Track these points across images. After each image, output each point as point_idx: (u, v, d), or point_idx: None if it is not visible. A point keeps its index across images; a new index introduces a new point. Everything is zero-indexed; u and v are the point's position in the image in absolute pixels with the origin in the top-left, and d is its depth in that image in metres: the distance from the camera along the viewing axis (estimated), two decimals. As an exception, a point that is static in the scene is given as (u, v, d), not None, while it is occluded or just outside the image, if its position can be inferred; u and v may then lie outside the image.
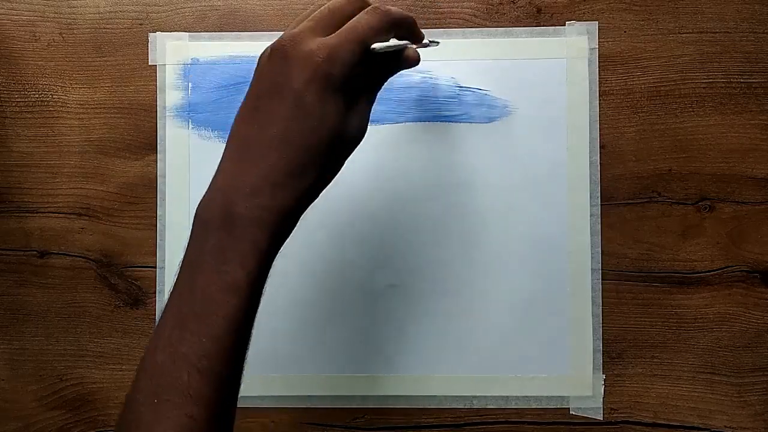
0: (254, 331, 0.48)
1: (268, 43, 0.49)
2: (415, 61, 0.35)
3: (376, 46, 0.32)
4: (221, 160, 0.32)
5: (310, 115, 0.30)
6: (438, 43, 0.35)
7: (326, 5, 0.33)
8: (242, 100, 0.33)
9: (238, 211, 0.30)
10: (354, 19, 0.32)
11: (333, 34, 0.31)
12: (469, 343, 0.48)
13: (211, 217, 0.30)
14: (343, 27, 0.31)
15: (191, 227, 0.31)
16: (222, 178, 0.31)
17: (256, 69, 0.32)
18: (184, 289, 0.30)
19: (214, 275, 0.29)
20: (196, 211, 0.31)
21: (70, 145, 0.50)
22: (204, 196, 0.32)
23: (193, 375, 0.28)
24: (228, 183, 0.31)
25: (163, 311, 0.31)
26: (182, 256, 0.31)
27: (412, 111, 0.49)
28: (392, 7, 0.33)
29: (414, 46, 0.35)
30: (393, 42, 0.33)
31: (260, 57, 0.32)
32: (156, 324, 0.31)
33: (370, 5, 0.33)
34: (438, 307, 0.49)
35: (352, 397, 0.49)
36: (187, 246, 0.31)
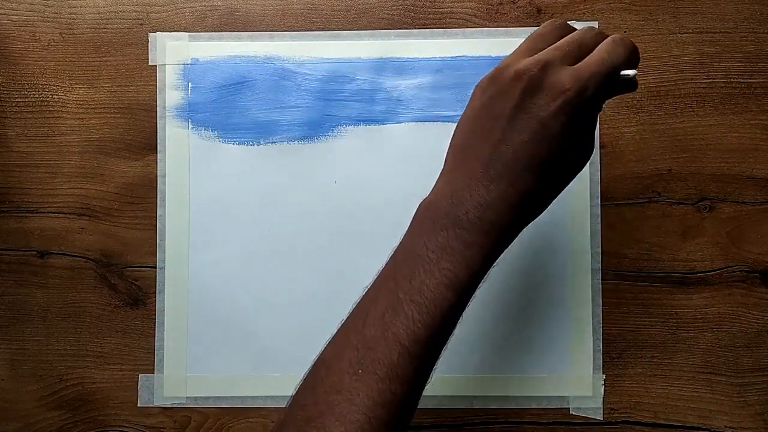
0: (255, 332, 0.49)
1: (268, 43, 0.49)
2: (636, 85, 0.37)
3: (626, 72, 0.33)
4: (447, 166, 0.34)
5: (549, 144, 0.32)
6: (634, 75, 0.35)
7: (573, 35, 0.34)
8: (470, 109, 0.34)
9: (469, 220, 0.32)
10: (602, 50, 0.33)
11: (582, 63, 0.32)
12: (469, 343, 0.48)
13: (439, 218, 0.32)
14: (594, 57, 0.33)
15: (413, 219, 0.34)
16: (451, 186, 0.33)
17: (491, 85, 0.33)
18: (403, 277, 0.32)
19: (436, 271, 0.32)
20: (421, 208, 0.34)
21: (70, 145, 0.50)
22: (431, 196, 0.34)
23: (403, 355, 0.31)
24: (459, 192, 0.33)
25: (371, 290, 0.33)
26: (398, 242, 0.34)
27: (413, 111, 0.49)
28: (630, 39, 0.34)
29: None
30: (632, 72, 0.34)
31: (499, 75, 0.33)
32: (359, 300, 0.34)
33: (608, 36, 0.34)
34: (438, 307, 0.48)
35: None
36: (406, 237, 0.34)
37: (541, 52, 0.33)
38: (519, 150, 0.32)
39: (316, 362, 0.34)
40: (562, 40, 0.34)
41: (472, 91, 0.35)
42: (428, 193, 0.34)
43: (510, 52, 0.49)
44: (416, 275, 0.32)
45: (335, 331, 0.34)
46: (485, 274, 0.33)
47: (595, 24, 0.49)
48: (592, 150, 0.35)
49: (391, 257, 0.34)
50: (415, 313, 0.31)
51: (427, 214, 0.33)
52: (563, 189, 0.34)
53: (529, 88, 0.32)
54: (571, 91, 0.31)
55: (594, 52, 0.33)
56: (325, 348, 0.34)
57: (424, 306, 0.31)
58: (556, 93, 0.31)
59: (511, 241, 0.34)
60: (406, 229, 0.34)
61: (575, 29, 0.35)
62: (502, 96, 0.33)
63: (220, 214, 0.49)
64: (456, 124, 0.35)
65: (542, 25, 0.35)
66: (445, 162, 0.35)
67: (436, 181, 0.35)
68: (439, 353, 0.33)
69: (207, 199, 0.49)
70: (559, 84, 0.31)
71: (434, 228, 0.32)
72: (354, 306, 0.34)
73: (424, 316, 0.31)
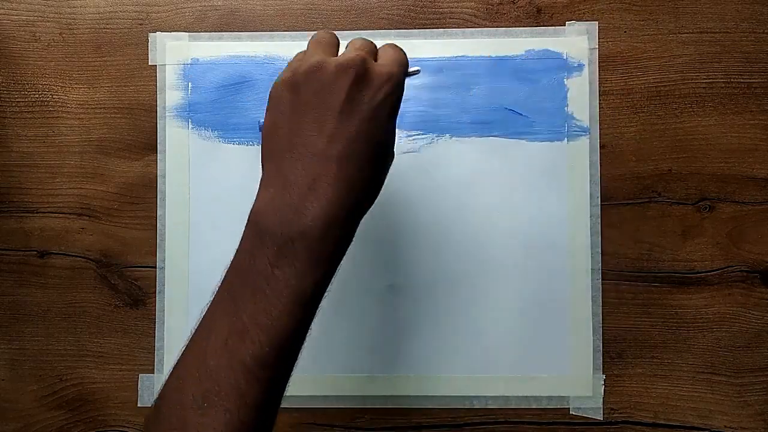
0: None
1: (268, 43, 0.49)
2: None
3: (413, 69, 0.37)
4: (275, 170, 0.32)
5: (380, 131, 0.32)
6: (419, 71, 0.39)
7: (363, 42, 0.35)
8: (282, 112, 0.33)
9: (317, 227, 0.30)
10: (393, 51, 0.35)
11: (385, 63, 0.34)
12: (469, 343, 0.48)
13: (281, 231, 0.30)
14: (391, 58, 0.35)
15: (244, 232, 0.32)
16: (288, 193, 0.31)
17: (306, 82, 0.32)
18: (244, 297, 0.30)
19: (284, 289, 0.30)
20: (253, 217, 0.32)
21: (70, 145, 0.50)
22: (263, 207, 0.32)
23: (251, 382, 0.29)
24: (300, 198, 0.31)
25: (208, 316, 0.32)
26: (230, 261, 0.32)
27: (412, 112, 0.49)
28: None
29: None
30: (416, 67, 0.38)
31: (317, 71, 0.32)
32: (197, 326, 0.32)
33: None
34: (438, 308, 0.49)
35: (352, 397, 0.49)
36: (241, 256, 0.32)
37: (352, 51, 0.34)
38: (354, 141, 0.31)
39: (159, 396, 0.32)
40: (356, 43, 0.35)
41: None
42: (253, 204, 0.32)
43: (510, 52, 0.49)
44: (259, 295, 0.30)
45: (177, 357, 0.32)
46: (329, 281, 0.32)
47: (595, 24, 0.49)
48: (394, 136, 0.36)
49: (225, 277, 0.32)
50: (263, 336, 0.29)
51: (262, 229, 0.31)
52: (381, 186, 0.35)
53: (357, 80, 0.32)
54: (395, 79, 0.33)
55: (385, 51, 0.35)
56: (168, 380, 0.32)
57: (272, 328, 0.29)
58: (381, 82, 0.32)
59: (350, 242, 0.33)
60: (238, 245, 0.32)
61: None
62: (326, 90, 0.32)
63: (220, 214, 0.49)
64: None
65: (317, 32, 0.36)
66: (264, 169, 0.33)
67: (259, 191, 0.33)
68: (290, 373, 0.31)
69: (207, 199, 0.49)
70: (384, 74, 0.33)
71: (276, 242, 0.30)
72: (192, 331, 0.32)
73: (273, 338, 0.29)
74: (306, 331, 0.31)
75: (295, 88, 0.33)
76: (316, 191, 0.31)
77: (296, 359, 0.31)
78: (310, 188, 0.31)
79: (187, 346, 0.32)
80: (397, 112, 0.34)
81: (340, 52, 0.36)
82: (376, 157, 0.33)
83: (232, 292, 0.31)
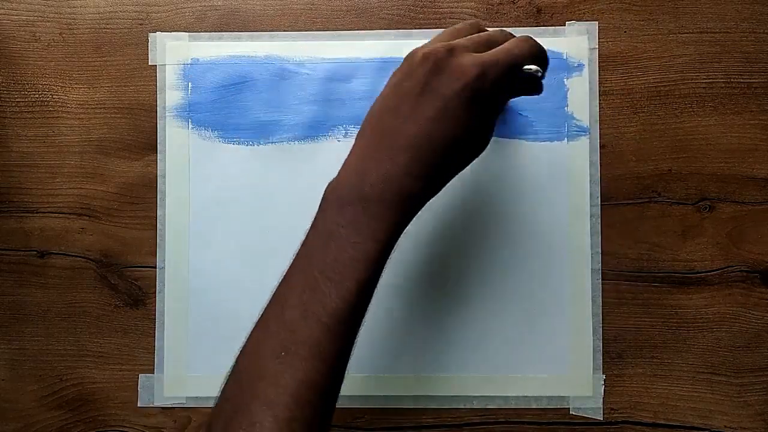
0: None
1: (268, 43, 0.49)
2: (542, 89, 0.38)
3: (528, 67, 0.35)
4: (356, 144, 0.35)
5: (452, 122, 0.33)
6: (540, 72, 0.37)
7: (484, 34, 0.36)
8: (384, 90, 0.36)
9: (375, 192, 0.33)
10: (509, 42, 0.35)
11: (489, 52, 0.34)
12: (470, 343, 0.48)
13: (346, 194, 0.34)
14: (499, 48, 0.35)
15: (321, 202, 0.35)
16: (359, 162, 0.34)
17: (402, 67, 0.35)
18: (316, 255, 0.33)
19: (348, 245, 0.32)
20: (329, 188, 0.35)
21: (70, 145, 0.50)
22: (338, 176, 0.35)
23: (324, 332, 0.32)
24: (365, 166, 0.34)
25: (287, 275, 0.34)
26: (309, 226, 0.35)
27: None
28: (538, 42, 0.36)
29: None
30: (535, 67, 0.36)
31: (410, 57, 0.35)
32: (277, 286, 0.35)
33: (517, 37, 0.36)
34: (438, 308, 0.49)
35: (352, 397, 0.49)
36: (316, 219, 0.35)
37: (447, 40, 0.35)
38: (423, 126, 0.33)
39: (238, 354, 0.34)
40: (474, 35, 0.36)
41: None
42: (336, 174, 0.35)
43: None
44: (329, 252, 0.33)
45: (255, 320, 0.35)
46: (393, 246, 0.34)
47: (595, 24, 0.49)
48: (487, 143, 0.37)
49: (304, 239, 0.35)
50: (332, 289, 0.32)
51: (334, 192, 0.34)
52: (461, 170, 0.36)
53: (434, 70, 0.33)
54: (472, 73, 0.33)
55: (501, 45, 0.35)
56: (247, 339, 0.34)
57: (339, 282, 0.32)
58: (458, 74, 0.33)
59: (415, 214, 0.35)
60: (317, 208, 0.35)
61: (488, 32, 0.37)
62: (409, 77, 0.34)
63: (220, 214, 0.49)
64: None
65: (460, 23, 0.37)
66: (355, 139, 0.36)
67: (346, 159, 0.35)
68: (357, 330, 0.34)
69: (207, 199, 0.49)
70: (461, 67, 0.33)
71: (342, 204, 0.34)
72: (272, 293, 0.35)
73: (341, 290, 0.32)
74: (372, 290, 0.34)
75: (395, 71, 0.36)
76: (378, 165, 0.33)
77: (363, 315, 0.34)
78: (376, 159, 0.34)
79: (267, 305, 0.34)
80: (483, 110, 0.34)
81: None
82: (443, 146, 0.34)
83: (307, 250, 0.34)
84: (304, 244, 0.35)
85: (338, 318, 0.32)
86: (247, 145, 0.49)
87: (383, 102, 0.35)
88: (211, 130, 0.50)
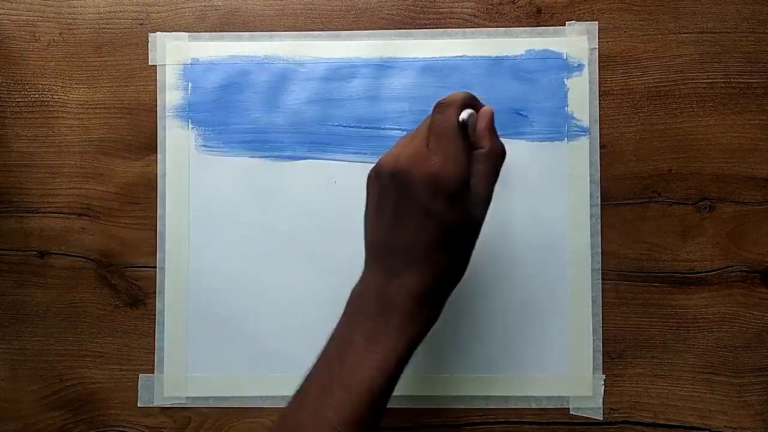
0: (255, 332, 0.49)
1: (268, 43, 0.49)
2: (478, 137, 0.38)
3: (463, 115, 0.36)
4: (370, 256, 0.37)
5: (441, 222, 0.34)
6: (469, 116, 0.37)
7: (424, 122, 0.37)
8: (370, 211, 0.37)
9: (396, 303, 0.34)
10: (440, 125, 0.36)
11: (438, 147, 0.35)
12: (469, 343, 0.48)
13: (367, 304, 0.35)
14: (439, 136, 0.35)
15: (346, 307, 0.36)
16: (378, 276, 0.36)
17: (376, 184, 0.36)
18: (333, 361, 0.35)
19: (365, 353, 0.34)
20: (351, 297, 0.36)
21: (70, 145, 0.50)
22: (363, 282, 0.37)
23: None
24: (382, 279, 0.35)
25: (308, 377, 0.35)
26: (331, 332, 0.36)
27: (412, 112, 0.49)
28: (453, 94, 0.37)
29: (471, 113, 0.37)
30: (467, 112, 0.36)
31: (379, 175, 0.36)
32: (300, 383, 0.36)
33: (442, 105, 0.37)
34: (438, 307, 0.48)
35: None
36: (341, 324, 0.36)
37: (407, 147, 0.36)
38: (414, 235, 0.34)
39: None
40: (421, 125, 0.37)
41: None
42: (358, 281, 0.37)
43: (510, 52, 0.49)
44: (347, 359, 0.34)
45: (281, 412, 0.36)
46: (411, 355, 0.35)
47: (596, 24, 0.49)
48: (485, 213, 0.37)
49: (326, 343, 0.36)
50: (344, 395, 0.33)
51: (357, 302, 0.36)
52: (470, 252, 0.37)
53: (407, 183, 0.34)
54: (441, 179, 0.33)
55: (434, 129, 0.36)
56: (270, 428, 0.36)
57: (353, 388, 0.33)
58: (427, 183, 0.33)
59: (438, 316, 0.36)
60: (340, 316, 0.36)
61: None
62: (384, 194, 0.35)
63: (220, 214, 0.49)
64: None
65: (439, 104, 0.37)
66: (365, 252, 0.37)
67: (363, 271, 0.37)
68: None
69: (207, 199, 0.49)
70: (428, 174, 0.34)
71: (363, 315, 0.35)
72: (293, 394, 0.35)
73: (353, 397, 0.32)
74: (387, 399, 0.34)
75: (372, 184, 0.37)
76: (393, 281, 0.35)
77: (377, 425, 0.34)
78: (389, 278, 0.35)
79: (293, 395, 0.35)
80: (462, 193, 0.34)
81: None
82: (445, 246, 0.35)
83: (328, 355, 0.35)
84: (327, 346, 0.36)
85: (348, 424, 0.32)
86: (247, 146, 0.49)
87: (373, 218, 0.36)
88: (211, 130, 0.50)
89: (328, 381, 0.34)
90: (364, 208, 0.37)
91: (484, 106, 0.38)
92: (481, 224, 0.37)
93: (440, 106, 0.36)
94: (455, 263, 0.36)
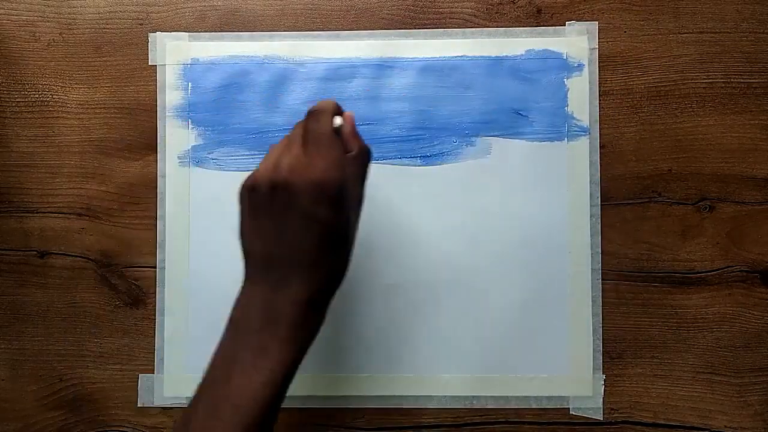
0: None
1: (268, 43, 0.49)
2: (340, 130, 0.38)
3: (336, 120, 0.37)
4: (251, 268, 0.36)
5: (325, 227, 0.34)
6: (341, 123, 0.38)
7: (297, 127, 0.37)
8: (247, 224, 0.36)
9: (282, 314, 0.34)
10: (315, 131, 0.36)
11: (317, 153, 0.35)
12: (469, 343, 0.48)
13: (252, 318, 0.34)
14: (317, 143, 0.35)
15: (227, 326, 0.35)
16: (259, 289, 0.35)
17: (252, 196, 0.36)
18: (219, 380, 0.34)
19: (252, 370, 0.33)
20: (234, 313, 0.35)
21: (70, 145, 0.50)
22: (242, 298, 0.36)
23: None
24: (267, 292, 0.35)
25: (194, 399, 0.34)
26: (213, 353, 0.35)
27: (412, 111, 0.49)
28: (323, 102, 0.37)
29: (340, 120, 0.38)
30: (339, 120, 0.37)
31: (255, 187, 0.35)
32: (185, 409, 0.35)
33: (315, 112, 0.37)
34: (438, 308, 0.49)
35: (352, 397, 0.49)
36: (222, 342, 0.35)
37: (282, 156, 0.35)
38: (304, 246, 0.34)
39: None
40: (294, 133, 0.37)
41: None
42: (239, 295, 0.36)
43: (510, 52, 0.49)
44: (233, 377, 0.33)
45: None
46: (302, 360, 0.35)
47: (596, 24, 0.49)
48: (359, 212, 0.38)
49: (211, 360, 0.35)
50: (234, 415, 0.32)
51: (241, 318, 0.35)
52: (353, 247, 0.37)
53: (288, 191, 0.34)
54: (320, 184, 0.34)
55: (311, 135, 0.36)
56: None
57: (241, 408, 0.32)
58: (309, 189, 0.34)
59: (322, 321, 0.36)
60: (223, 332, 0.36)
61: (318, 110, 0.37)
62: (263, 206, 0.35)
63: (220, 214, 0.49)
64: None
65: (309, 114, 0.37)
66: (245, 266, 0.36)
67: (243, 285, 0.36)
68: None
69: (207, 199, 0.49)
70: (310, 181, 0.34)
71: (249, 329, 0.34)
72: (180, 415, 0.35)
73: (243, 417, 0.32)
74: (277, 408, 0.34)
75: (248, 196, 0.36)
76: (276, 287, 0.34)
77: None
78: (269, 285, 0.35)
79: (175, 424, 0.36)
80: (343, 194, 0.34)
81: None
82: (332, 247, 0.35)
83: (213, 375, 0.35)
84: (211, 365, 0.35)
85: None
86: (247, 146, 0.49)
87: (250, 230, 0.36)
88: (211, 130, 0.50)
89: (215, 401, 0.33)
90: (238, 223, 0.37)
91: (345, 112, 0.39)
92: (358, 224, 0.37)
93: (314, 114, 0.36)
94: (339, 266, 0.36)
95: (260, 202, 0.35)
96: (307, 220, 0.34)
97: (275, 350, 0.33)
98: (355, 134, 0.38)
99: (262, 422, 0.33)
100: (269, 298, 0.34)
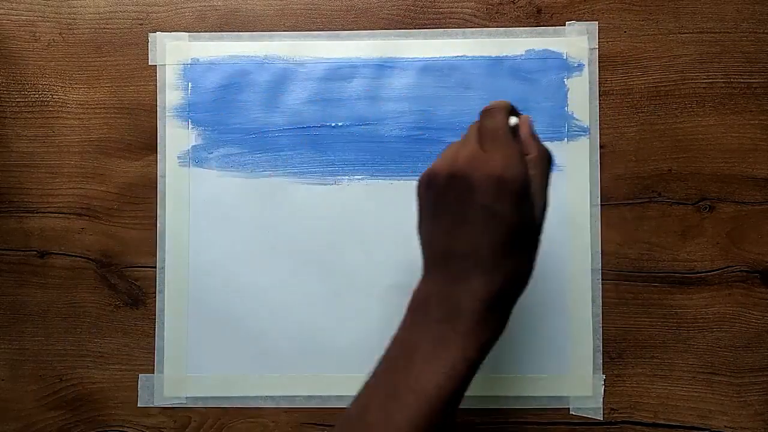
0: (254, 332, 0.49)
1: (268, 43, 0.50)
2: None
3: (512, 119, 0.35)
4: (429, 261, 0.36)
5: (506, 224, 0.33)
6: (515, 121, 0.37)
7: (471, 127, 0.36)
8: (425, 218, 0.36)
9: (463, 308, 0.33)
10: (493, 128, 0.35)
11: (495, 149, 0.34)
12: (469, 343, 0.48)
13: (431, 310, 0.34)
14: (494, 139, 0.34)
15: (407, 312, 0.35)
16: (433, 280, 0.35)
17: (430, 190, 0.35)
18: (399, 366, 0.34)
19: (433, 359, 0.33)
20: (412, 303, 0.35)
21: (70, 145, 0.50)
22: (424, 286, 0.35)
23: None
24: (446, 286, 0.34)
25: (369, 384, 0.34)
26: (393, 336, 0.35)
27: (412, 112, 0.49)
28: (497, 102, 0.36)
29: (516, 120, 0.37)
30: (514, 119, 0.36)
31: (433, 180, 0.35)
32: (359, 392, 0.35)
33: (494, 108, 0.36)
34: (438, 307, 0.48)
35: (352, 397, 0.49)
36: (400, 332, 0.35)
37: (460, 151, 0.34)
38: (484, 242, 0.33)
39: None
40: (473, 129, 0.36)
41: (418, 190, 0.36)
42: (417, 284, 0.35)
43: (510, 52, 0.49)
44: (414, 363, 0.33)
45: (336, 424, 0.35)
46: (482, 360, 0.34)
47: (596, 24, 0.49)
48: (545, 208, 0.35)
49: (387, 349, 0.35)
50: (413, 398, 0.32)
51: (420, 308, 0.35)
52: (537, 253, 0.35)
53: (468, 187, 0.33)
54: (501, 182, 0.32)
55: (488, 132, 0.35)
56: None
57: (421, 392, 0.32)
58: (489, 184, 0.32)
59: (505, 326, 0.34)
60: (401, 322, 0.35)
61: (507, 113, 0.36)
62: (441, 199, 0.34)
63: (220, 214, 0.49)
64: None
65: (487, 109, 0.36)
66: (423, 260, 0.36)
67: (422, 278, 0.36)
68: None
69: (207, 198, 0.49)
70: (489, 176, 0.33)
71: (428, 321, 0.34)
72: (354, 398, 0.35)
73: (422, 401, 0.32)
74: (456, 404, 0.33)
75: (426, 190, 0.35)
76: (459, 282, 0.33)
77: (446, 428, 0.33)
78: (453, 283, 0.34)
79: (350, 407, 0.35)
80: (528, 199, 0.33)
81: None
82: (513, 246, 0.33)
83: (392, 361, 0.35)
84: (388, 352, 0.35)
85: (418, 430, 0.32)
86: (246, 145, 0.49)
87: (428, 224, 0.35)
88: (211, 130, 0.50)
89: (394, 385, 0.33)
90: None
91: (521, 114, 0.37)
92: (541, 232, 0.35)
93: (488, 112, 0.35)
94: (521, 269, 0.34)
95: (437, 196, 0.34)
96: (486, 216, 0.32)
97: (456, 343, 0.32)
98: (534, 136, 0.36)
99: (441, 411, 0.32)
100: (448, 291, 0.33)
